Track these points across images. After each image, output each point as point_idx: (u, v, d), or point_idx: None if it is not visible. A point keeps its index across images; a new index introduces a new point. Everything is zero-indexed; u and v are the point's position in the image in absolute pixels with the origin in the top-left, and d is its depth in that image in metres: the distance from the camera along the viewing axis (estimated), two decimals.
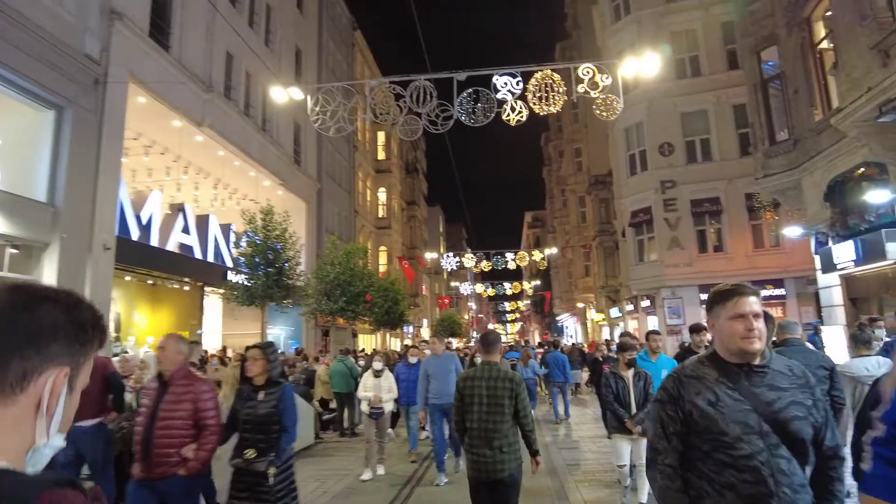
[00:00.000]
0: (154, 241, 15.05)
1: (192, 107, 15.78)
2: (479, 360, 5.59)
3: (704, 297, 22.12)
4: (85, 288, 11.38)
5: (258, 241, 11.59)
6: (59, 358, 0.89)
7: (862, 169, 10.14)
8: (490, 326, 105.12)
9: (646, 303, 24.27)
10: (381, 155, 36.93)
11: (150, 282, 15.49)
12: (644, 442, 5.08)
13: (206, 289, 17.04)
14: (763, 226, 21.50)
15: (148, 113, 14.67)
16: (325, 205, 26.40)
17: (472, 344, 39.27)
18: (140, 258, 14.31)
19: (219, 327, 19.49)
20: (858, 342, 5.31)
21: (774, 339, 4.88)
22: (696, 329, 6.69)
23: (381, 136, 37.14)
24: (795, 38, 11.92)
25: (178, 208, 16.42)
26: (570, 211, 42.02)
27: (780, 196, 12.61)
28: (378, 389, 8.22)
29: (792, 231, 12.18)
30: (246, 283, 11.86)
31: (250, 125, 19.55)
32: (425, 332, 48.80)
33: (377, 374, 8.39)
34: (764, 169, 12.66)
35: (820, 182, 11.09)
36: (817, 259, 11.38)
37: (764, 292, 21.34)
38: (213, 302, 17.94)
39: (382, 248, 35.73)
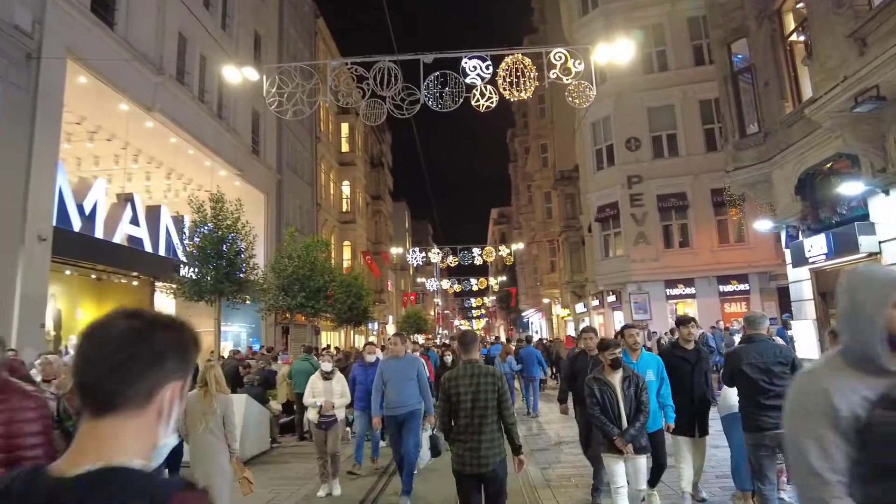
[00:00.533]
0: (99, 233, 14.02)
1: (140, 90, 14.78)
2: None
3: (670, 291, 22.22)
4: (17, 281, 10.41)
5: (207, 231, 10.66)
6: (174, 374, 1.06)
7: (833, 162, 10.03)
8: (456, 323, 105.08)
9: (612, 298, 24.23)
10: (344, 147, 36.04)
11: (94, 276, 14.46)
12: (643, 461, 4.81)
13: (158, 284, 16.04)
14: (728, 221, 21.64)
15: (91, 95, 13.65)
16: (286, 197, 25.48)
17: (439, 341, 38.91)
18: (82, 251, 13.29)
19: None
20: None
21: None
22: (682, 321, 6.18)
23: (344, 127, 36.24)
24: (766, 29, 11.77)
25: (126, 198, 15.39)
26: (536, 207, 41.95)
27: (750, 189, 12.49)
28: (329, 394, 7.18)
29: (762, 225, 12.08)
30: (194, 276, 10.97)
31: (205, 111, 18.57)
32: (391, 329, 48.14)
33: (326, 376, 7.31)
34: (734, 162, 12.52)
35: (791, 175, 10.97)
36: (788, 253, 11.27)
37: (728, 287, 21.54)
38: (166, 298, 16.93)
39: (346, 242, 34.90)
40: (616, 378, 4.89)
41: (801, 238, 10.66)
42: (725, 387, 5.48)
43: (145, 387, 1.01)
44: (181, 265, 12.87)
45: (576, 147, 29.06)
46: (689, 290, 21.80)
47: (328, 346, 22.86)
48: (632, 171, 22.19)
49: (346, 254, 34.13)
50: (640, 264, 21.68)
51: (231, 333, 21.92)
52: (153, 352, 1.02)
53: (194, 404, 5.04)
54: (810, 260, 10.11)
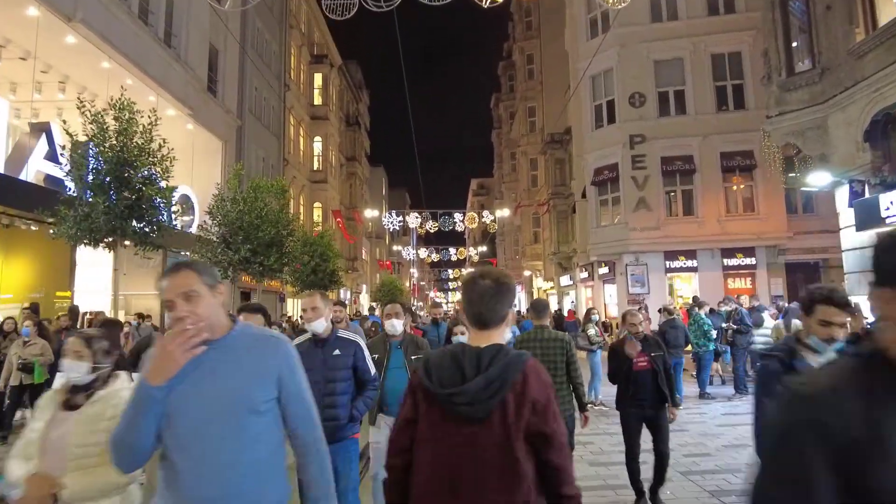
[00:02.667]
0: None
1: None
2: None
3: (670, 264, 20.36)
4: None
5: (106, 149, 7.80)
6: (511, 306, 2.04)
7: None
8: (431, 295, 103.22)
9: (603, 270, 22.28)
10: (317, 100, 33.12)
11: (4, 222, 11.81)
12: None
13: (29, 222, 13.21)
14: (738, 189, 19.74)
15: None
16: (248, 147, 22.76)
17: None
18: None
19: (106, 285, 15.88)
20: None
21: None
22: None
23: (317, 78, 33.28)
24: None
25: (41, 128, 12.63)
26: (521, 174, 39.80)
27: (797, 138, 10.42)
28: None
29: (819, 179, 10.03)
30: (85, 211, 7.79)
31: (147, 35, 15.73)
32: (364, 299, 45.90)
33: None
34: (779, 105, 10.40)
35: (857, 118, 8.89)
36: (850, 213, 9.24)
37: (732, 261, 19.74)
38: (100, 252, 14.30)
39: (317, 204, 32.27)
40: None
41: (868, 195, 8.62)
42: None
43: (501, 315, 1.94)
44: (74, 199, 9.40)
45: (568, 107, 26.76)
46: (690, 263, 19.93)
47: (289, 316, 20.54)
48: (634, 130, 20.03)
49: (317, 216, 31.55)
50: (640, 233, 19.69)
51: None
52: (504, 298, 1.94)
53: None
54: (888, 220, 8.08)
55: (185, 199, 13.16)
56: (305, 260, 15.44)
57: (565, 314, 23.08)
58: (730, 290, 19.40)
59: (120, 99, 8.20)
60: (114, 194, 7.35)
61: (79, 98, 7.80)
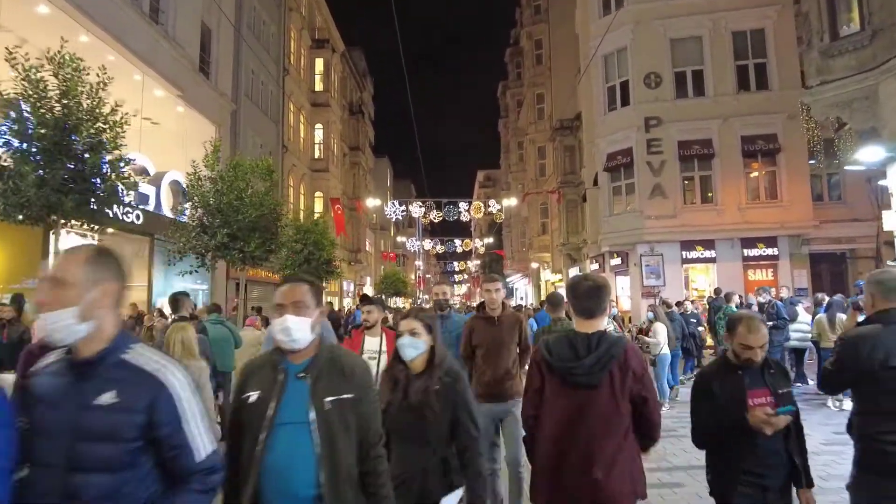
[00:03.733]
0: None
1: None
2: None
3: (687, 254, 19.27)
4: None
5: (43, 112, 6.45)
6: (609, 298, 2.78)
7: None
8: (437, 289, 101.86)
9: (616, 261, 21.22)
10: (318, 86, 32.05)
11: None
12: None
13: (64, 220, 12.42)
14: (760, 174, 18.59)
15: None
16: (244, 133, 21.79)
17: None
18: None
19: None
20: None
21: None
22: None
23: (319, 63, 32.21)
24: None
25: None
26: (528, 164, 38.68)
27: (842, 110, 9.30)
28: None
29: (870, 155, 8.90)
30: (16, 183, 6.48)
31: (131, 8, 14.74)
32: (369, 292, 45.01)
33: None
34: (820, 74, 9.29)
35: None
36: None
37: (753, 251, 18.63)
38: (76, 240, 13.36)
39: (318, 193, 31.29)
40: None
41: None
42: None
43: (602, 308, 2.58)
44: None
45: (579, 91, 25.63)
46: (708, 254, 18.83)
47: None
48: (650, 112, 18.90)
49: (318, 206, 30.57)
50: (655, 221, 18.60)
51: (185, 289, 18.51)
52: (604, 295, 2.59)
53: None
54: None
55: (143, 171, 11.89)
56: (298, 248, 14.37)
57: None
58: (750, 282, 18.33)
59: (59, 52, 7.07)
60: (42, 162, 6.13)
61: (7, 49, 6.66)
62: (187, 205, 10.84)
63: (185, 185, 13.24)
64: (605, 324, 2.58)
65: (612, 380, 2.44)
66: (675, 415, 8.12)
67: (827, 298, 9.39)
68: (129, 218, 13.27)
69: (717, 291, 13.68)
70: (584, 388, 2.45)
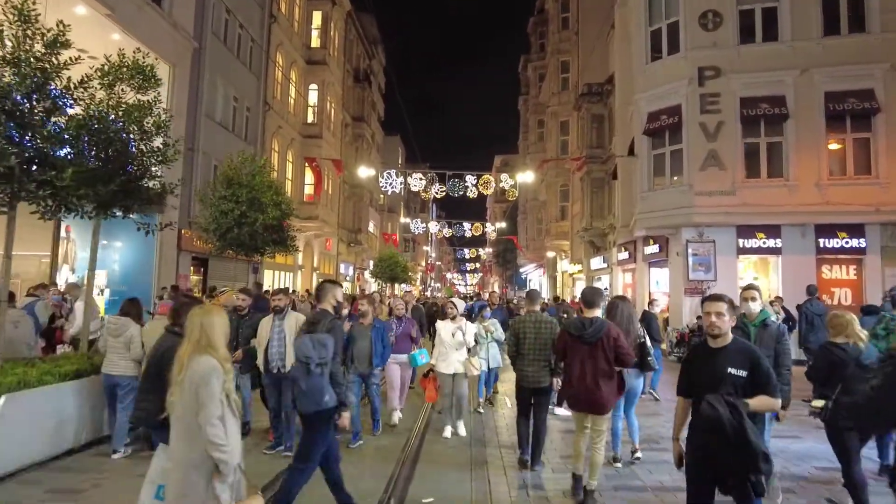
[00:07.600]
0: None
1: None
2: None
3: (744, 243, 15.27)
4: None
5: None
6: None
7: None
8: (449, 276, 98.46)
9: (651, 248, 17.32)
10: (314, 42, 28.35)
11: None
12: None
13: None
14: (848, 142, 14.55)
15: None
16: (210, 79, 18.21)
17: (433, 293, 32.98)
18: None
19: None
20: None
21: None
22: None
23: (316, 16, 28.45)
24: None
25: None
26: (549, 141, 34.75)
27: None
28: None
29: None
30: None
31: None
32: (370, 276, 41.48)
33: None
34: None
35: None
36: None
37: (832, 242, 14.58)
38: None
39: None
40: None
41: None
42: None
43: (598, 303, 5.13)
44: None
45: (612, 49, 21.66)
46: (771, 243, 14.89)
47: (265, 290, 16.12)
48: (706, 61, 14.93)
49: (309, 178, 27.00)
50: (707, 199, 14.70)
51: (123, 261, 15.10)
52: (599, 296, 5.26)
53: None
54: None
55: None
56: (228, 207, 10.40)
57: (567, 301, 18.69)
58: (824, 281, 14.40)
59: None
60: None
61: None
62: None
63: None
64: (598, 313, 5.10)
65: (603, 341, 4.83)
66: None
67: None
68: None
69: (810, 290, 9.82)
70: (588, 344, 4.84)
